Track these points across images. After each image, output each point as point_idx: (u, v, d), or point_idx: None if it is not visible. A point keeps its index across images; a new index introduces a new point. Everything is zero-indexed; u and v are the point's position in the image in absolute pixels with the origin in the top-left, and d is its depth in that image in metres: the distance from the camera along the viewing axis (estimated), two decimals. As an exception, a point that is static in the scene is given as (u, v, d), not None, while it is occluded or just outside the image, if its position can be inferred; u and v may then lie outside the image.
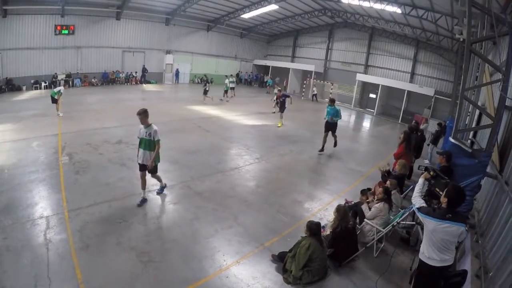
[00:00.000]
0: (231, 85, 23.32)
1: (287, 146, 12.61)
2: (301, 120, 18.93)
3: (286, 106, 16.34)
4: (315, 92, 28.85)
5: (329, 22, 30.16)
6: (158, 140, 6.69)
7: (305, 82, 31.13)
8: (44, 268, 4.72)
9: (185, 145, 11.25)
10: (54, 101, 13.94)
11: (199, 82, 32.03)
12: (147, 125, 6.61)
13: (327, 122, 11.79)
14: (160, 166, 9.10)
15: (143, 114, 6.54)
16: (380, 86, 25.21)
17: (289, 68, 32.75)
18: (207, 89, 21.16)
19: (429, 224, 3.86)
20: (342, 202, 7.50)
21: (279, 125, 16.04)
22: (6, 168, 8.16)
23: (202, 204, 7.25)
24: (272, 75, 34.86)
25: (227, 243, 5.88)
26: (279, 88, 18.42)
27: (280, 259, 5.35)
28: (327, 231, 6.02)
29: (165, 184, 7.65)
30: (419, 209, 4.05)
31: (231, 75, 24.78)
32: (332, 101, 12.20)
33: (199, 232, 6.09)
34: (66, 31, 22.62)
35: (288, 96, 16.71)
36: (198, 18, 29.72)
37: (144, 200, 6.97)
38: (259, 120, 16.90)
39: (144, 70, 27.89)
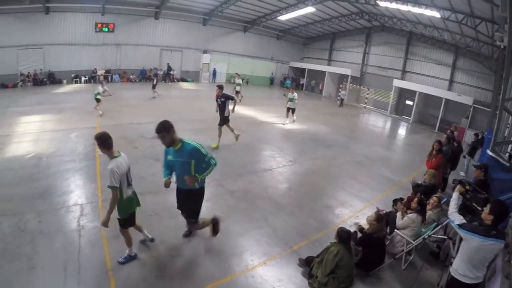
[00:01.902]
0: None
1: (321, 150, 12.34)
2: (334, 124, 18.47)
3: (227, 113, 10.67)
4: (343, 97, 27.66)
5: (366, 26, 29.42)
6: (112, 188, 4.20)
7: (340, 86, 30.55)
8: (75, 252, 4.84)
9: (219, 144, 11.16)
10: (98, 100, 13.67)
11: (233, 82, 32.17)
12: (112, 157, 4.36)
13: (178, 190, 5.09)
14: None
15: (101, 145, 4.32)
16: (417, 93, 24.22)
17: (325, 72, 32.33)
18: (154, 83, 19.22)
19: (474, 241, 3.67)
20: (374, 210, 7.18)
21: (213, 145, 10.67)
22: (45, 156, 8.48)
23: (233, 203, 7.20)
24: (309, 78, 34.63)
25: (255, 243, 5.79)
26: (220, 85, 11.23)
27: (307, 264, 5.22)
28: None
29: (135, 254, 4.90)
30: (460, 226, 3.85)
31: (236, 73, 22.89)
32: (166, 129, 4.54)
33: (229, 230, 6.01)
34: (106, 29, 23.60)
35: (231, 98, 10.85)
36: (235, 19, 29.95)
37: (128, 258, 4.81)
38: (294, 123, 16.56)
39: (169, 68, 27.96)
